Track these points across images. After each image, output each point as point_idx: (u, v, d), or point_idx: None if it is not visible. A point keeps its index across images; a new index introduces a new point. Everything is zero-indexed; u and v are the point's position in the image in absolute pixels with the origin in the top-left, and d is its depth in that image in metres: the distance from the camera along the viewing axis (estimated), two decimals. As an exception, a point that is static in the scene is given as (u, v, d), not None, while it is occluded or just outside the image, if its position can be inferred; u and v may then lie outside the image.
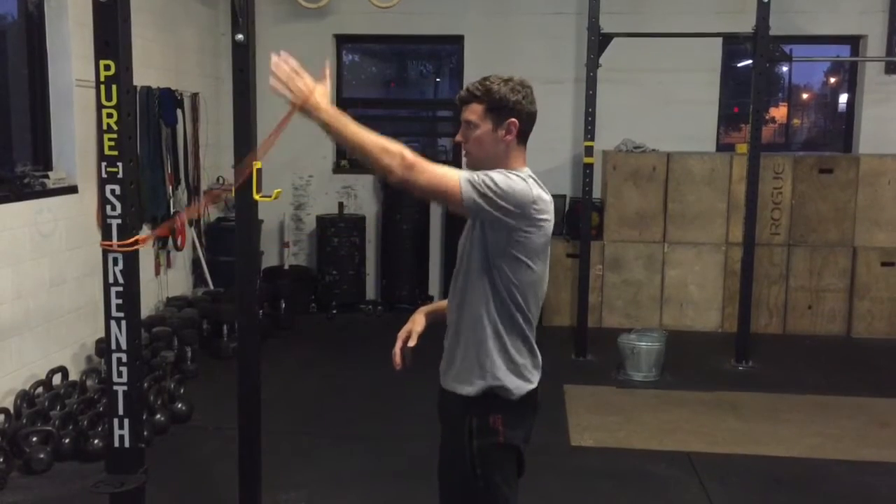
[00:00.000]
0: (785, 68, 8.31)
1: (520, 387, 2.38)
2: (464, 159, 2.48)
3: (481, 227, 2.32)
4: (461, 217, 2.35)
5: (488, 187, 2.19)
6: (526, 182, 2.26)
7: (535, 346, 2.44)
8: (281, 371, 5.85)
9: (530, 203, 2.25)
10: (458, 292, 2.44)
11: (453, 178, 2.19)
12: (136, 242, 2.42)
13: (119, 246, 2.40)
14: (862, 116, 7.69)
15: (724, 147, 7.83)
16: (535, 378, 2.43)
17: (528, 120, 2.38)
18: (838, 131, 8.17)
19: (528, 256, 2.32)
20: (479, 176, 2.20)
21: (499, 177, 2.22)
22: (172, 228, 6.60)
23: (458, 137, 2.47)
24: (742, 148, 7.08)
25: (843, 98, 8.13)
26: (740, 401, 5.54)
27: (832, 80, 8.50)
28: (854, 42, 7.74)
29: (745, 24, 6.26)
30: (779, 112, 8.54)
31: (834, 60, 8.17)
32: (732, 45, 7.49)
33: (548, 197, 2.33)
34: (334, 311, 7.63)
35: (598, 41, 6.28)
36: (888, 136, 7.50)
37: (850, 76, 7.97)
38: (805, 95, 8.76)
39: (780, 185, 7.18)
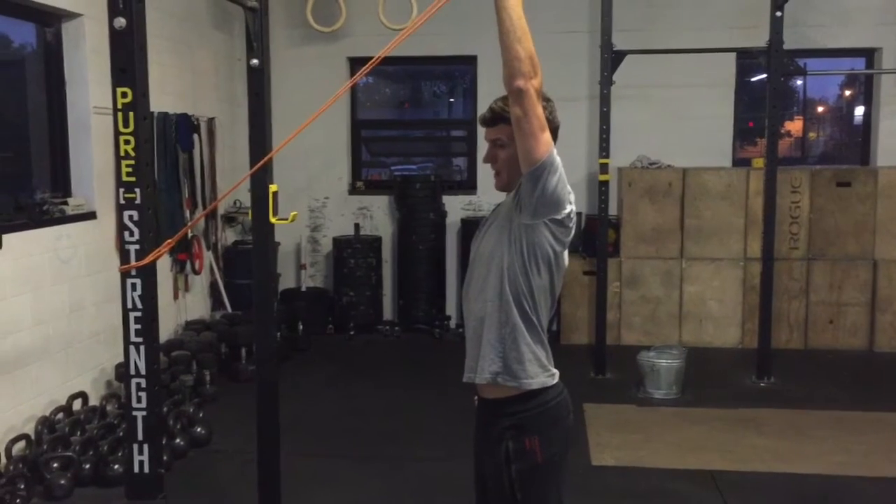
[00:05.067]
0: (799, 82, 8.28)
1: (538, 374, 2.41)
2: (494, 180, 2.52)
3: (507, 218, 2.38)
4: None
5: (558, 172, 2.26)
6: (569, 194, 2.36)
7: (547, 344, 2.48)
8: (300, 393, 5.85)
9: (567, 207, 2.33)
10: (474, 289, 2.48)
11: (548, 139, 2.26)
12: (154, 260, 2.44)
13: (136, 263, 2.41)
14: (879, 129, 7.64)
15: (739, 162, 7.79)
16: (554, 370, 2.46)
17: (553, 135, 2.39)
18: (855, 144, 8.11)
19: (543, 260, 2.37)
20: (557, 160, 2.27)
21: (564, 177, 2.31)
22: (190, 252, 6.64)
23: (486, 159, 2.48)
24: (758, 162, 7.05)
25: (859, 111, 8.08)
26: (762, 417, 5.48)
27: (847, 92, 8.46)
28: (869, 55, 7.71)
29: (758, 38, 6.25)
30: (794, 126, 8.50)
31: (848, 73, 8.14)
32: (746, 59, 7.48)
33: (574, 218, 2.40)
34: (352, 333, 7.62)
35: (612, 58, 6.29)
36: (906, 148, 7.45)
37: (865, 89, 7.93)
38: (820, 109, 8.72)
39: (797, 198, 7.14)
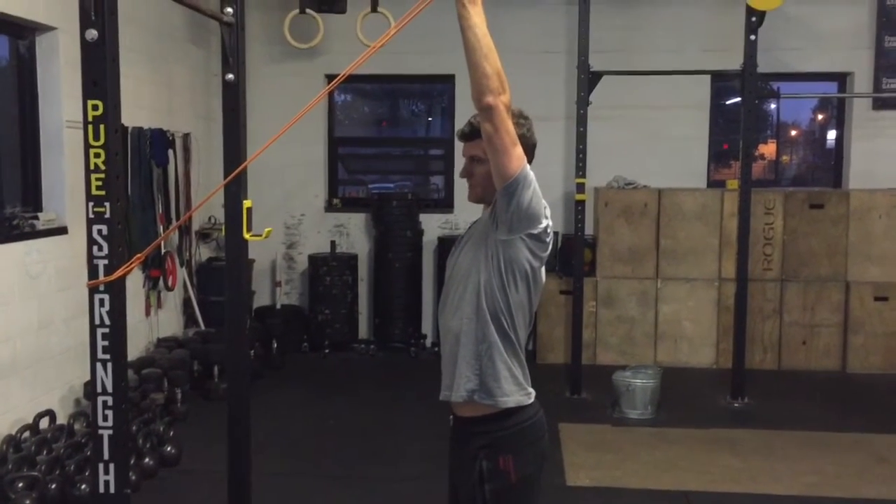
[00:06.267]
0: (773, 105, 8.39)
1: (514, 393, 2.40)
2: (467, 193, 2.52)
3: (483, 235, 2.38)
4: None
5: (532, 187, 2.27)
6: (544, 209, 2.37)
7: (524, 362, 2.47)
8: (273, 412, 5.78)
9: (543, 221, 2.34)
10: (450, 306, 2.46)
11: (521, 154, 2.26)
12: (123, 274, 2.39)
13: (104, 278, 2.37)
14: (851, 152, 7.74)
15: (714, 183, 7.86)
16: (530, 389, 2.46)
17: (530, 152, 2.40)
18: (827, 167, 8.22)
19: (520, 275, 2.36)
20: (530, 175, 2.28)
21: (538, 192, 2.32)
22: (163, 268, 6.56)
23: (463, 174, 2.47)
24: (732, 184, 7.11)
25: (832, 134, 8.20)
26: (737, 438, 5.49)
27: (820, 116, 8.58)
28: (841, 79, 7.82)
29: (733, 61, 6.33)
30: (768, 149, 8.60)
31: (822, 97, 8.25)
32: (721, 82, 7.57)
33: (551, 233, 2.40)
34: (327, 351, 7.56)
35: (588, 79, 6.33)
36: (877, 171, 7.55)
37: (837, 112, 8.04)
38: (793, 132, 8.83)
39: (771, 220, 7.20)
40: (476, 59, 2.18)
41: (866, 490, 4.66)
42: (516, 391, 2.40)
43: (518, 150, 2.24)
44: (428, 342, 7.80)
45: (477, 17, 2.19)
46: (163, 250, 6.57)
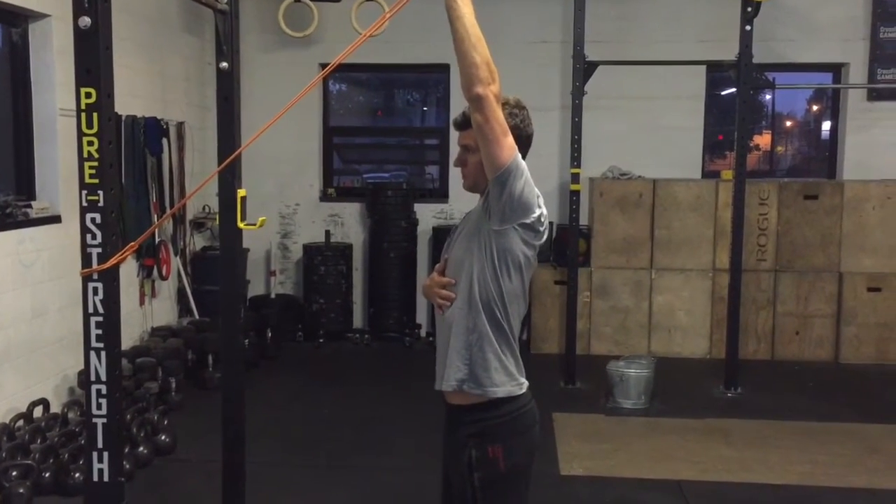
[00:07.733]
0: (768, 96, 8.40)
1: (504, 383, 2.41)
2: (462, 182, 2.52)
3: (477, 225, 2.38)
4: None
5: (524, 176, 2.26)
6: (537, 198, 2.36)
7: (517, 352, 2.48)
8: (267, 401, 5.78)
9: (536, 211, 2.33)
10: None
11: (511, 143, 2.25)
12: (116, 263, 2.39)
13: (98, 267, 2.36)
14: (845, 143, 7.76)
15: (709, 174, 7.87)
16: (522, 379, 2.46)
17: (525, 143, 2.40)
18: (822, 158, 8.23)
19: (513, 265, 2.36)
20: (521, 164, 2.27)
21: (530, 181, 2.31)
22: (157, 257, 6.55)
23: (457, 163, 2.48)
24: (727, 174, 7.12)
25: (826, 125, 8.21)
26: (730, 428, 5.51)
27: (815, 107, 8.59)
28: (836, 70, 7.82)
29: (728, 52, 6.32)
30: (762, 140, 8.61)
31: (817, 87, 8.26)
32: (716, 72, 7.56)
33: (545, 222, 2.40)
34: (321, 340, 7.56)
35: (584, 69, 6.32)
36: (871, 161, 7.56)
37: (832, 103, 8.05)
38: (788, 123, 8.84)
39: (765, 211, 7.21)
40: (465, 49, 2.18)
41: (858, 480, 4.69)
42: (507, 381, 2.41)
43: (509, 140, 2.24)
44: (422, 332, 7.80)
45: (465, 6, 2.19)
46: (157, 239, 6.56)
